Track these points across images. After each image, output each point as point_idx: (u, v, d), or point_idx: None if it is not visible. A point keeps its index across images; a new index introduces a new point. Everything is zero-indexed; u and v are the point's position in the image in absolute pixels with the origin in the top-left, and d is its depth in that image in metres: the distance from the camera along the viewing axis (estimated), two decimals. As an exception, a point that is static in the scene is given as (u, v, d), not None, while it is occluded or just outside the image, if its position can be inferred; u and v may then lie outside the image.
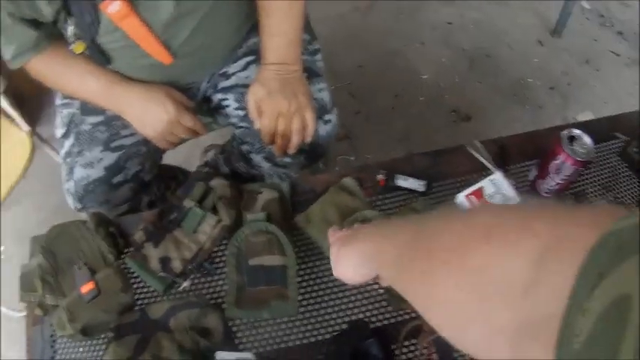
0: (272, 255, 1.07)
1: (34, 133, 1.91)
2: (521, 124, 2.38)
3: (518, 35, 2.76)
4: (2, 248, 2.32)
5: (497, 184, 1.13)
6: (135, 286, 1.14)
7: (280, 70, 1.20)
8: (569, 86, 2.59)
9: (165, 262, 1.10)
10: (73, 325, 1.05)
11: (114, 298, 1.09)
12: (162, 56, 1.21)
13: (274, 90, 1.18)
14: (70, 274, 1.13)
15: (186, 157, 1.83)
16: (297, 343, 1.05)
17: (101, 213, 1.20)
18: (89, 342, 1.10)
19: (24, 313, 2.06)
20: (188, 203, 1.13)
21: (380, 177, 1.21)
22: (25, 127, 1.90)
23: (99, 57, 1.21)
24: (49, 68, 1.25)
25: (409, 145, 2.28)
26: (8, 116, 1.96)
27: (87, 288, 1.09)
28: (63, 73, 1.25)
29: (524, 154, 1.26)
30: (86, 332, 1.07)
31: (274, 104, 1.18)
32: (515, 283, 0.42)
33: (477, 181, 1.15)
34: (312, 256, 1.14)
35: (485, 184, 1.13)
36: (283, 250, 1.08)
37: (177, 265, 1.10)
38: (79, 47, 1.16)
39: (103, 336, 1.09)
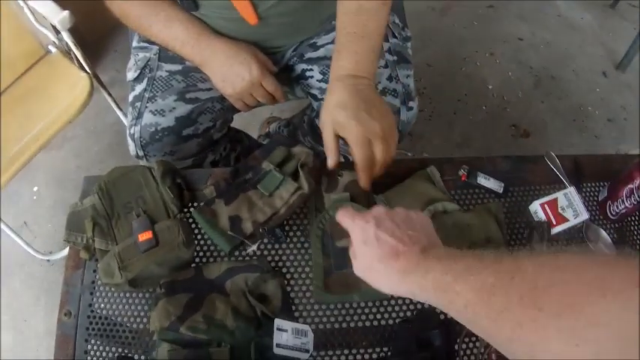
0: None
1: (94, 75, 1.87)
2: (576, 151, 2.34)
3: (584, 63, 2.71)
4: (35, 189, 2.29)
5: (570, 199, 1.13)
6: (194, 242, 1.08)
7: (361, 84, 1.01)
8: (625, 121, 2.55)
9: (235, 221, 1.04)
10: (124, 274, 0.99)
11: (172, 252, 1.02)
12: (248, 14, 1.16)
13: (358, 110, 0.98)
14: (126, 220, 1.08)
15: (242, 126, 1.78)
16: (360, 325, 1.00)
17: (169, 162, 1.14)
18: (132, 294, 1.05)
19: (48, 257, 2.08)
20: (267, 165, 1.08)
21: (462, 172, 1.17)
22: (87, 68, 1.86)
23: (189, 2, 1.17)
24: (136, 8, 1.21)
25: (467, 152, 2.24)
26: (71, 56, 1.94)
27: (144, 237, 1.03)
28: (149, 15, 1.20)
29: (597, 175, 1.24)
30: (135, 284, 1.01)
31: (363, 128, 0.97)
32: (633, 339, 0.43)
33: (550, 192, 1.15)
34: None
35: (560, 197, 1.13)
36: None
37: (247, 226, 1.04)
38: None
39: (150, 290, 1.04)
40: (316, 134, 1.43)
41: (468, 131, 2.31)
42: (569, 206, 1.12)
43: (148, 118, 1.27)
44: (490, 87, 2.52)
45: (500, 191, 1.17)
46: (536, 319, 0.52)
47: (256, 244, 1.05)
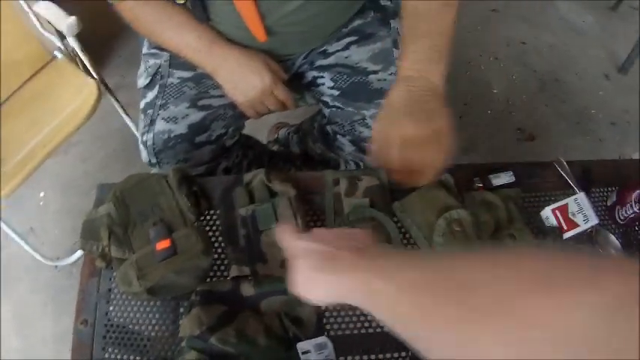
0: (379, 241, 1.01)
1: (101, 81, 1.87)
2: (581, 154, 2.36)
3: (587, 66, 2.73)
4: (42, 194, 2.29)
5: (580, 204, 1.13)
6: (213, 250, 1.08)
7: (415, 85, 0.99)
8: (628, 124, 2.56)
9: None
10: (142, 283, 0.98)
11: (191, 261, 1.01)
12: (257, 31, 1.17)
13: (401, 111, 0.98)
14: (142, 229, 1.07)
15: (250, 131, 1.78)
16: (378, 330, 1.00)
17: (184, 169, 1.14)
18: (150, 302, 1.05)
19: (56, 263, 2.07)
20: (245, 211, 1.07)
21: (477, 185, 1.17)
22: (94, 74, 1.86)
23: (200, 12, 1.17)
24: (148, 14, 1.21)
25: (473, 156, 2.24)
26: (76, 61, 1.94)
27: (162, 245, 1.02)
28: (161, 22, 1.20)
29: (605, 180, 1.25)
30: (153, 292, 1.00)
31: (398, 129, 0.97)
32: (581, 341, 0.38)
33: (559, 198, 1.15)
34: (407, 245, 1.09)
35: (570, 202, 1.14)
36: (390, 236, 1.03)
37: None
38: None
39: (168, 298, 1.04)
40: (327, 141, 1.43)
41: (474, 136, 2.32)
42: (580, 211, 1.12)
43: (160, 125, 1.27)
44: (495, 91, 2.53)
45: (513, 179, 1.18)
46: (462, 318, 0.48)
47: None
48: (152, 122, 1.28)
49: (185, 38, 1.20)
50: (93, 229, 1.09)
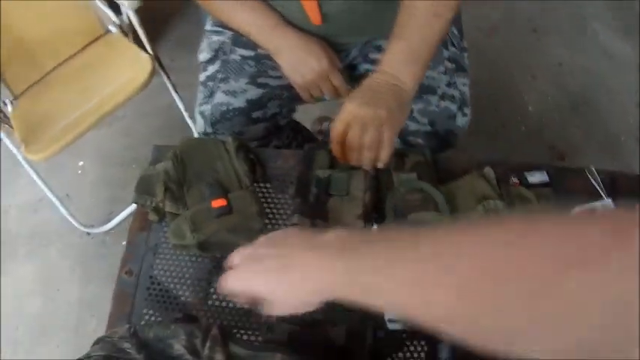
0: (428, 211, 1.06)
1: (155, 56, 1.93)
2: (608, 177, 2.36)
3: (619, 92, 2.74)
4: (80, 163, 2.35)
5: (607, 209, 1.14)
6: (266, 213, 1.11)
7: (382, 79, 1.08)
8: (657, 155, 2.57)
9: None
10: (196, 236, 1.02)
11: (245, 220, 1.06)
12: (313, 14, 1.23)
13: (359, 93, 1.07)
14: (197, 188, 1.11)
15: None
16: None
17: (242, 138, 1.20)
18: (197, 259, 1.09)
19: (89, 230, 2.13)
20: (323, 173, 1.11)
21: (514, 180, 1.20)
22: (149, 49, 1.92)
23: None
24: None
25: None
26: (129, 36, 2.00)
27: (218, 203, 1.06)
28: (230, 1, 1.27)
29: (632, 192, 1.25)
30: (204, 247, 1.05)
31: (346, 105, 1.06)
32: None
33: (588, 202, 1.17)
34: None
35: (598, 207, 1.16)
36: (438, 207, 1.07)
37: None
38: None
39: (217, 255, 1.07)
40: None
41: (508, 149, 2.36)
42: (606, 217, 1.16)
43: (220, 97, 1.33)
44: (530, 109, 2.56)
45: (547, 180, 1.20)
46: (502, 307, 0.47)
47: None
48: (212, 94, 1.34)
49: (251, 17, 1.26)
50: (149, 184, 1.14)
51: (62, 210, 2.07)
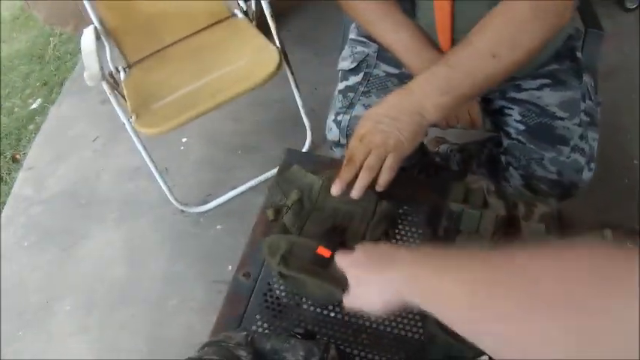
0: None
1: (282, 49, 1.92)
2: None
3: None
4: (184, 140, 2.38)
5: None
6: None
7: (410, 106, 1.05)
8: None
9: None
10: (282, 265, 0.99)
11: (331, 285, 0.97)
12: (444, 35, 1.22)
13: (380, 126, 1.04)
14: (321, 222, 1.07)
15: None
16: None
17: None
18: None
19: (184, 208, 2.14)
20: (456, 207, 1.07)
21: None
22: (277, 41, 1.91)
23: (408, 6, 1.23)
24: (369, 9, 1.24)
25: (606, 217, 2.20)
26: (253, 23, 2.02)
27: (323, 252, 1.00)
28: (379, 17, 1.24)
29: None
30: (282, 276, 1.02)
31: (367, 131, 1.05)
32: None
33: None
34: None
35: None
36: None
37: None
38: None
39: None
40: (495, 169, 1.44)
41: (608, 198, 2.27)
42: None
43: (359, 110, 1.30)
44: (635, 162, 2.47)
45: None
46: (530, 313, 0.49)
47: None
48: (351, 105, 1.31)
49: (401, 35, 1.23)
50: (288, 184, 1.13)
51: (160, 183, 2.07)
